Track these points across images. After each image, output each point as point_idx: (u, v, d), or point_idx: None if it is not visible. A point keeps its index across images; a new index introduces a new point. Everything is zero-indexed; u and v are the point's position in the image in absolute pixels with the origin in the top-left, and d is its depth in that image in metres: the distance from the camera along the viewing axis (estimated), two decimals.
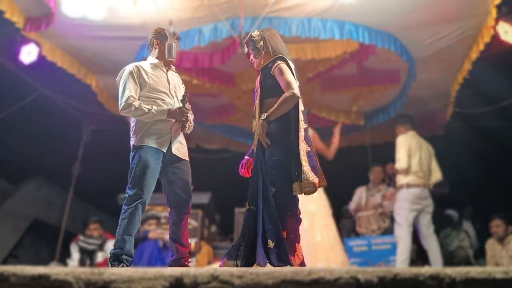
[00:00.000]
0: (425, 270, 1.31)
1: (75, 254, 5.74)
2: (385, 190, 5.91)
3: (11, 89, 6.25)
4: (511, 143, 6.58)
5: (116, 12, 4.68)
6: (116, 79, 2.74)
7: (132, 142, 2.64)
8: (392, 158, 5.47)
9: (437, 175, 5.40)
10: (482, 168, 7.00)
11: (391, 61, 5.50)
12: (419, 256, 5.80)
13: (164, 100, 2.68)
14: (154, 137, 2.61)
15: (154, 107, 2.61)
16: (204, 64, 5.36)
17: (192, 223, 5.69)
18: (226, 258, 2.45)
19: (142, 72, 2.69)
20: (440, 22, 4.82)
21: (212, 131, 7.45)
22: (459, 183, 6.24)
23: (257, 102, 2.62)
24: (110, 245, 5.37)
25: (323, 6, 4.61)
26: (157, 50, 2.81)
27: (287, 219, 2.43)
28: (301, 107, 2.59)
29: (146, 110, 2.58)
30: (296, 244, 2.46)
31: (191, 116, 2.72)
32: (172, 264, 2.62)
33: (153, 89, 2.67)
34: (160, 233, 5.63)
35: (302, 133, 2.50)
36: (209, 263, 5.80)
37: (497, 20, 4.44)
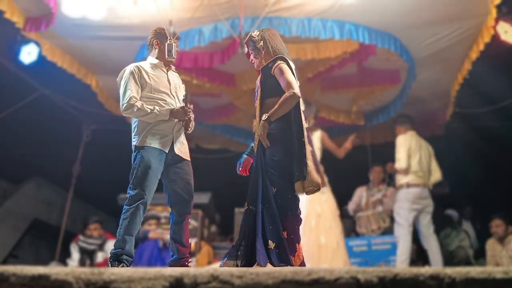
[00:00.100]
0: (425, 270, 1.31)
1: (75, 254, 5.74)
2: (385, 190, 5.92)
3: (11, 89, 6.25)
4: (511, 143, 6.58)
5: (116, 12, 4.68)
6: (117, 79, 2.73)
7: (134, 143, 2.64)
8: (392, 158, 5.47)
9: (436, 175, 5.41)
10: (482, 168, 7.00)
11: (391, 61, 5.50)
12: (419, 256, 5.81)
13: (166, 101, 2.67)
14: (157, 137, 2.61)
15: (157, 107, 2.60)
16: (204, 64, 5.36)
17: (192, 223, 5.69)
18: (226, 258, 2.45)
19: (143, 72, 2.68)
20: (440, 22, 4.82)
21: (212, 131, 7.45)
22: (459, 183, 6.25)
23: (257, 102, 2.61)
24: (110, 245, 5.38)
25: (323, 6, 4.60)
26: (157, 50, 2.80)
27: (288, 219, 2.43)
28: (302, 107, 2.59)
29: (149, 111, 2.58)
30: (297, 244, 2.46)
31: (192, 116, 2.73)
32: (172, 264, 2.62)
33: (154, 90, 2.67)
34: (160, 233, 5.63)
35: (305, 133, 2.50)
36: (209, 263, 5.81)
37: (497, 20, 4.44)
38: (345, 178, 5.15)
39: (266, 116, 2.46)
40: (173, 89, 2.74)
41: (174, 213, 2.66)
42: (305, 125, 2.53)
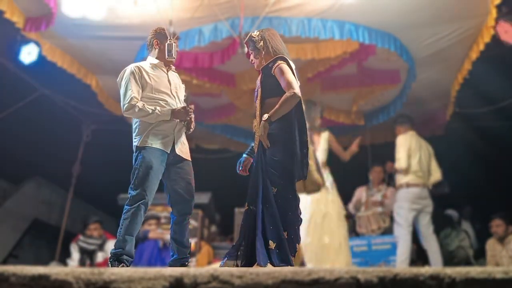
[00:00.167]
0: (425, 270, 1.31)
1: (75, 254, 5.74)
2: (385, 190, 5.92)
3: (11, 89, 6.25)
4: (511, 143, 6.58)
5: (116, 12, 4.68)
6: (117, 80, 2.72)
7: (135, 143, 2.63)
8: (392, 158, 5.48)
9: (436, 175, 5.41)
10: (482, 168, 7.01)
11: (391, 61, 5.50)
12: (419, 256, 5.81)
13: (166, 101, 2.67)
14: (158, 138, 2.60)
15: (158, 108, 2.60)
16: (204, 64, 5.36)
17: (192, 223, 5.69)
18: (226, 258, 2.45)
19: (144, 72, 2.68)
20: (440, 22, 4.82)
21: (212, 131, 7.45)
22: (459, 183, 6.24)
23: (257, 102, 2.61)
24: (110, 245, 5.38)
25: (323, 6, 4.60)
26: (157, 50, 2.80)
27: (288, 219, 2.43)
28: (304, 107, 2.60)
29: (150, 111, 2.58)
30: (297, 244, 2.46)
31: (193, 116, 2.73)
32: (172, 264, 2.62)
33: (155, 90, 2.66)
34: (160, 233, 5.63)
35: (307, 132, 2.51)
36: (209, 263, 5.81)
37: (497, 20, 4.44)
38: (345, 178, 5.15)
39: (267, 116, 2.46)
40: (173, 89, 2.74)
41: (174, 213, 2.66)
42: (307, 125, 2.54)
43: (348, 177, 5.55)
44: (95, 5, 4.54)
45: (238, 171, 2.72)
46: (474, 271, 1.29)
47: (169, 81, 2.75)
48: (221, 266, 2.47)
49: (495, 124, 6.67)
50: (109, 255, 2.51)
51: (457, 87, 5.59)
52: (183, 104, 2.73)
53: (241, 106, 6.57)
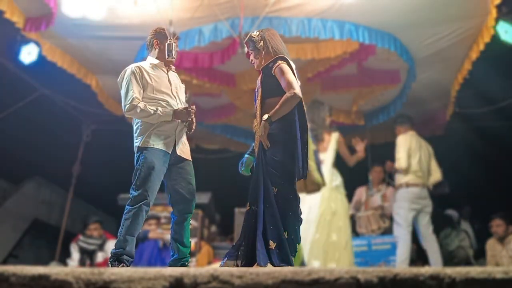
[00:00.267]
0: (425, 270, 1.31)
1: (75, 254, 5.74)
2: (385, 190, 5.92)
3: (11, 89, 6.25)
4: (511, 143, 6.58)
5: (116, 12, 4.68)
6: (118, 80, 2.71)
7: (137, 144, 2.62)
8: (392, 158, 5.48)
9: (436, 175, 5.42)
10: (482, 168, 7.01)
11: (391, 61, 5.50)
12: (419, 256, 5.81)
13: (167, 101, 2.66)
14: (160, 138, 2.59)
15: (160, 108, 2.60)
16: (204, 64, 5.36)
17: (192, 223, 5.65)
18: (226, 258, 2.45)
19: (144, 73, 2.67)
20: (440, 22, 4.82)
21: (212, 131, 7.45)
22: (459, 183, 6.25)
23: (258, 102, 2.61)
24: (110, 245, 5.39)
25: (323, 6, 4.60)
26: (157, 50, 2.79)
27: (288, 220, 2.43)
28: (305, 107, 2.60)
29: (152, 112, 2.57)
30: (297, 244, 2.46)
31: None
32: (172, 264, 2.62)
33: (155, 90, 2.65)
34: (160, 233, 5.63)
35: (308, 132, 2.50)
36: (209, 263, 5.81)
37: (497, 20, 4.44)
38: (345, 178, 5.17)
39: (267, 117, 2.46)
40: (174, 90, 2.73)
41: (175, 212, 2.66)
42: (308, 125, 2.54)
43: (348, 177, 5.54)
44: (95, 5, 4.54)
45: (240, 171, 2.73)
46: (474, 271, 1.29)
47: (169, 81, 2.74)
48: (221, 266, 2.46)
49: (495, 124, 6.67)
50: (109, 255, 2.51)
51: (457, 87, 5.59)
52: (183, 105, 2.73)
53: (241, 106, 6.57)
